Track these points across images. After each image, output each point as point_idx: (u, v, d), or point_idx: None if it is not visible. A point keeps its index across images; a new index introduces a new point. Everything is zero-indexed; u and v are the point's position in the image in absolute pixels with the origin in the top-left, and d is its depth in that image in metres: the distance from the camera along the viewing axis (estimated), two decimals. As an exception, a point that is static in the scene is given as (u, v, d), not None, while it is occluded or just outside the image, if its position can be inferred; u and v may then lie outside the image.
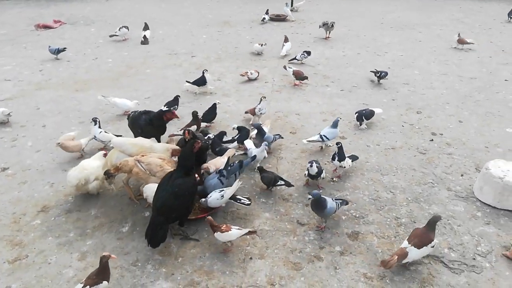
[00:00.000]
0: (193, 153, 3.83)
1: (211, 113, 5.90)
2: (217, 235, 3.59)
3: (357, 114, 5.85)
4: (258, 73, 7.72)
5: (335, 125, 5.25)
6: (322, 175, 4.47)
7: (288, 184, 4.44)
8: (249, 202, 4.12)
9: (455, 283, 3.41)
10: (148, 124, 4.81)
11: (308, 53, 8.30)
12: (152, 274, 3.49)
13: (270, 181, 4.39)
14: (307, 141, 5.19)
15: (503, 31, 10.80)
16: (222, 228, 3.58)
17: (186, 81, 7.00)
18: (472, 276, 3.49)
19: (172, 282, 3.40)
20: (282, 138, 5.33)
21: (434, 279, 3.45)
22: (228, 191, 4.01)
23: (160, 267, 3.56)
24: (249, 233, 3.69)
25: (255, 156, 4.70)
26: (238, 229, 3.63)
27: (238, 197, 4.11)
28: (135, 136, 4.90)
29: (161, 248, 3.71)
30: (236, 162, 4.44)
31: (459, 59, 8.72)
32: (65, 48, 8.99)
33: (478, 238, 3.88)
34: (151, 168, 4.00)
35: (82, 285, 3.13)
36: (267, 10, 12.09)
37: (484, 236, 3.90)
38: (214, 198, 3.96)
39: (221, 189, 4.05)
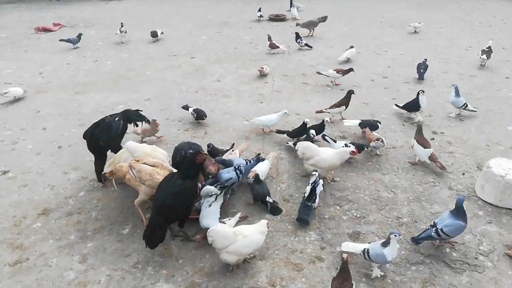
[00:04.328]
0: (195, 163, 3.74)
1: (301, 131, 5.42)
2: None
3: (361, 123, 5.62)
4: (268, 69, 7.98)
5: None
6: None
7: (273, 211, 4.18)
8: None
9: (457, 283, 3.40)
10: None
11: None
12: (153, 276, 3.48)
13: (258, 195, 4.24)
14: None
15: (503, 29, 10.76)
16: None
17: (395, 105, 6.28)
18: (474, 275, 3.47)
19: (172, 284, 3.40)
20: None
21: (436, 279, 3.43)
22: (230, 222, 3.84)
23: (160, 269, 3.55)
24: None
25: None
26: None
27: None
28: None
29: (161, 250, 3.71)
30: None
31: (460, 57, 8.68)
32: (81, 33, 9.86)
33: (480, 237, 3.87)
34: (141, 176, 3.92)
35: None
36: (260, 8, 12.05)
37: (486, 235, 3.88)
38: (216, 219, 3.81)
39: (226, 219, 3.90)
